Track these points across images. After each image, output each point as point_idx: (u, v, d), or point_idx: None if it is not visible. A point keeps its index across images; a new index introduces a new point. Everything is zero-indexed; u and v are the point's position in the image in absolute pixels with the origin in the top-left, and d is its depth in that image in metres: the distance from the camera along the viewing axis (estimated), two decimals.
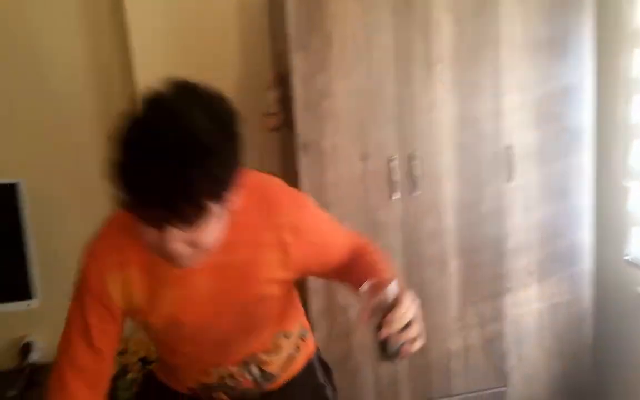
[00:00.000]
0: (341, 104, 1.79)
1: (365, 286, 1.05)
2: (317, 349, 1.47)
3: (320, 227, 1.25)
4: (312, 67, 1.75)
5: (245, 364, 1.29)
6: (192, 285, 1.13)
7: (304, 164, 1.79)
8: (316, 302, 1.86)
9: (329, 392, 1.44)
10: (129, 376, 2.01)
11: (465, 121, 1.87)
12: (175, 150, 0.89)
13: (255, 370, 1.30)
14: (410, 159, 1.85)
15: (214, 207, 0.95)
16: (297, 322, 1.38)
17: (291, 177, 1.94)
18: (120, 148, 0.92)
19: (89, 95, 2.09)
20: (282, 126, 1.97)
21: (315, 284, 1.84)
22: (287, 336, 1.34)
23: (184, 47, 2.06)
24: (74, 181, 2.11)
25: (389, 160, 1.84)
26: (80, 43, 2.06)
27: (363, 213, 1.85)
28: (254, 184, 1.14)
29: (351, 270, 1.24)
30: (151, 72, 2.02)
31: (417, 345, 1.02)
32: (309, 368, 1.41)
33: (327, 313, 1.87)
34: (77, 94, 2.08)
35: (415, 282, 1.91)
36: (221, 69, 2.09)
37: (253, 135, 2.15)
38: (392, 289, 1.02)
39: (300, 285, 1.95)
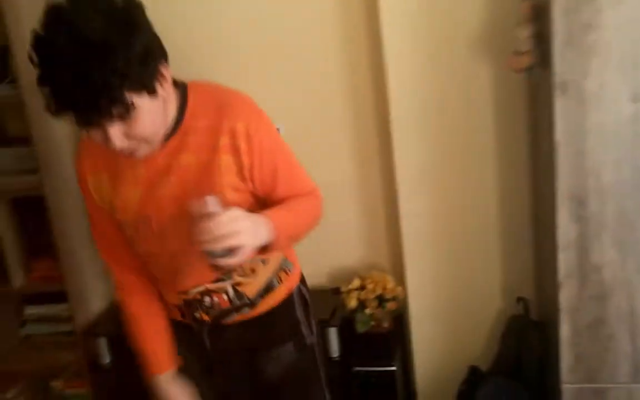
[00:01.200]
0: (610, 37, 1.56)
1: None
2: (301, 284, 1.49)
3: (275, 154, 1.27)
4: None
5: (221, 281, 1.33)
6: (155, 183, 1.24)
7: (561, 107, 1.62)
8: (565, 259, 1.70)
9: (304, 328, 1.46)
10: (367, 311, 2.12)
11: None
12: (73, 56, 0.99)
13: (230, 290, 1.35)
14: None
15: (139, 100, 1.06)
16: (277, 252, 1.38)
17: (543, 122, 1.78)
18: (34, 64, 1.04)
19: (335, 48, 2.19)
20: (534, 66, 1.80)
21: (565, 239, 1.69)
22: (264, 262, 1.37)
23: None
24: (322, 128, 2.28)
25: None
26: None
27: (630, 163, 1.61)
28: (213, 91, 1.26)
29: None
30: (396, 22, 2.03)
31: (236, 259, 1.07)
32: (287, 301, 1.43)
33: (577, 272, 1.69)
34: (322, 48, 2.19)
35: None
36: (465, 4, 1.99)
37: (498, 77, 2.07)
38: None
39: (551, 240, 1.80)
